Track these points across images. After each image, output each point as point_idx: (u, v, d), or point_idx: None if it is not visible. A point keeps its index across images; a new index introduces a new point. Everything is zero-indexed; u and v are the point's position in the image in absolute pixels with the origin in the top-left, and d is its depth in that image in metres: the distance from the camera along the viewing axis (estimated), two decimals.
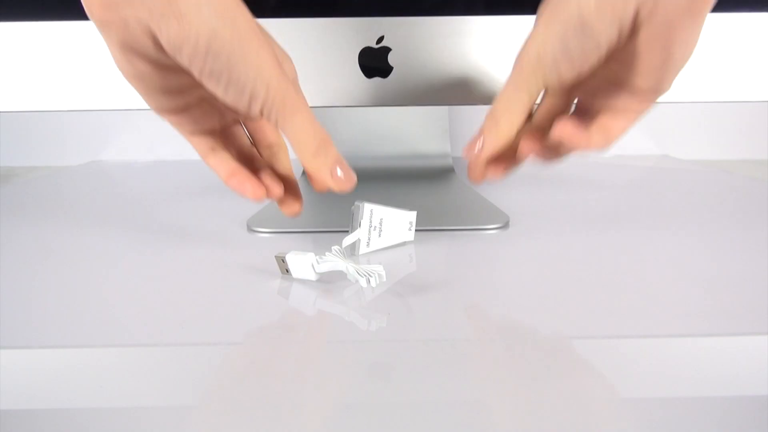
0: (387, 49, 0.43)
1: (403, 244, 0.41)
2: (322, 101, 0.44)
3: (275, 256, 0.34)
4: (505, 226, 0.46)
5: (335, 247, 0.33)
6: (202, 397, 0.22)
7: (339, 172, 0.30)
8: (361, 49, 0.43)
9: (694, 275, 0.35)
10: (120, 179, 0.73)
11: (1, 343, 0.26)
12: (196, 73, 0.27)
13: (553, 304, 0.30)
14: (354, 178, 0.31)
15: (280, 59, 0.31)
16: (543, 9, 0.29)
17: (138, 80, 0.28)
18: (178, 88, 0.30)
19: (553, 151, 0.34)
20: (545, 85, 0.30)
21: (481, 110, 0.92)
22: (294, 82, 0.32)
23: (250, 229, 0.45)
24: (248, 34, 0.26)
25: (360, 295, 0.32)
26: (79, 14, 0.43)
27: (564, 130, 0.30)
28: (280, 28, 0.43)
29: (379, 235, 0.39)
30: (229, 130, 0.35)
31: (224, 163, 0.34)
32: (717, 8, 0.43)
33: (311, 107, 0.44)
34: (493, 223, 0.45)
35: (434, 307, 0.30)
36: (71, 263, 0.38)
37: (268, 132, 0.36)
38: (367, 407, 0.21)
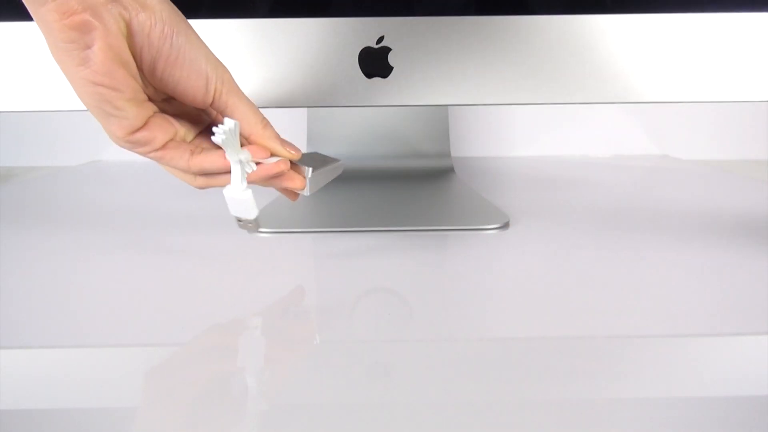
0: (387, 49, 0.43)
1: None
2: (322, 101, 0.44)
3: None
4: (505, 226, 0.46)
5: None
6: (206, 396, 0.22)
7: (285, 147, 0.34)
8: (361, 49, 0.43)
9: (694, 275, 0.35)
10: (119, 179, 0.73)
11: (0, 342, 0.26)
12: (161, 62, 0.30)
13: (552, 304, 0.30)
14: (299, 151, 0.34)
15: None
16: None
17: (115, 89, 0.29)
18: (144, 98, 0.31)
19: None
20: None
21: (482, 110, 0.92)
22: None
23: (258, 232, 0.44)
24: (190, 28, 0.31)
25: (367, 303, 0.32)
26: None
27: None
28: (280, 27, 0.43)
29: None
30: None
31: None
32: (716, 8, 0.43)
33: (312, 107, 0.44)
34: (493, 223, 0.45)
35: (433, 307, 0.30)
36: (70, 263, 0.38)
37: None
38: (365, 407, 0.21)
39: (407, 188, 0.57)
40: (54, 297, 0.32)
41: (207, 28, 0.43)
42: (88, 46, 0.27)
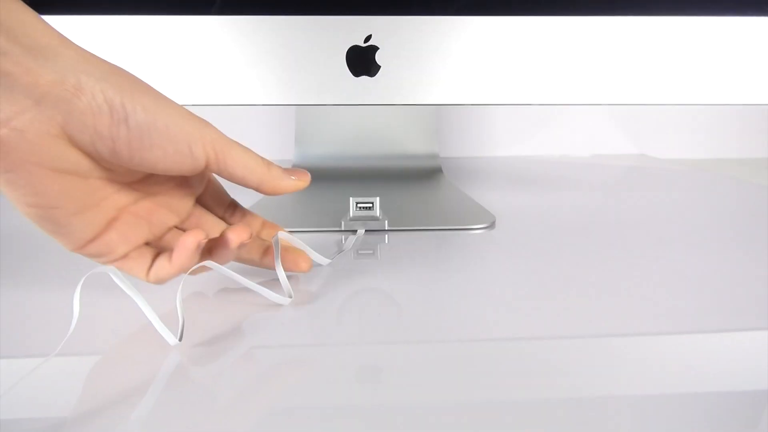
0: (375, 48, 0.43)
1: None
2: (308, 99, 0.44)
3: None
4: (492, 226, 0.46)
5: None
6: (198, 400, 0.21)
7: (293, 177, 0.30)
8: (348, 47, 0.43)
9: (675, 272, 0.35)
10: None
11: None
12: (124, 150, 0.25)
13: (538, 303, 0.31)
14: (306, 172, 0.31)
15: None
16: None
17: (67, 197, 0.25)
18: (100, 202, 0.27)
19: None
20: None
21: (468, 110, 0.92)
22: None
23: None
24: (146, 83, 0.26)
25: (351, 295, 0.32)
26: (70, 9, 0.42)
27: None
28: (268, 25, 0.42)
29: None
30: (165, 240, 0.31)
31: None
32: (695, 11, 0.44)
33: (299, 105, 0.43)
34: (480, 223, 0.45)
35: (420, 306, 0.30)
36: (68, 262, 0.37)
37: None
38: (354, 408, 0.21)
39: (394, 188, 0.56)
40: (51, 296, 0.31)
41: (191, 25, 0.42)
42: (9, 170, 0.23)
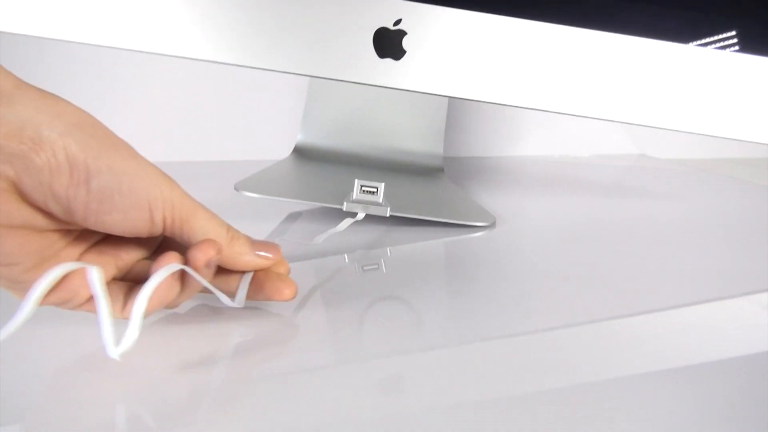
0: (403, 33, 0.43)
1: None
2: (329, 73, 0.43)
3: None
4: (492, 225, 0.46)
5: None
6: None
7: (261, 252, 0.28)
8: (377, 28, 0.43)
9: (675, 272, 0.35)
10: None
11: None
12: (79, 212, 0.23)
13: (539, 302, 0.31)
14: (277, 246, 0.29)
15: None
16: None
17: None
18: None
19: None
20: None
21: (471, 110, 0.91)
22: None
23: (239, 191, 0.44)
24: (117, 139, 0.24)
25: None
26: None
27: None
28: None
29: None
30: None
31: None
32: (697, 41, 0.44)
33: (317, 77, 0.42)
34: (480, 223, 0.45)
35: (420, 306, 0.30)
36: None
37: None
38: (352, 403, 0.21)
39: (394, 183, 0.56)
40: None
41: None
42: None
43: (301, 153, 0.60)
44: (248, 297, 0.29)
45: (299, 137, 0.63)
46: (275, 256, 0.28)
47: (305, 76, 0.43)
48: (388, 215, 0.43)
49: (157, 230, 0.25)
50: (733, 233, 0.43)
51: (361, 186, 0.43)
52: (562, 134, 0.90)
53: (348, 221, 0.40)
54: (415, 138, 0.64)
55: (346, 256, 0.37)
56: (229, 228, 0.27)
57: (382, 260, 0.37)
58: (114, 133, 0.24)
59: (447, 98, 0.59)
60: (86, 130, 0.22)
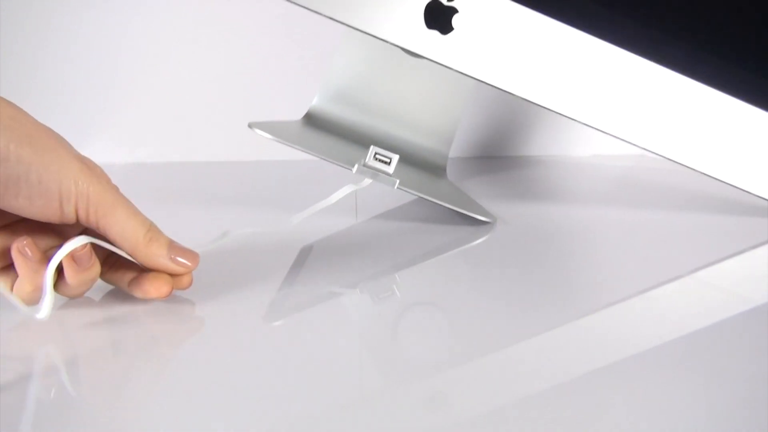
0: (454, 10, 0.43)
1: None
2: (372, 30, 0.43)
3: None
4: (493, 224, 0.46)
5: None
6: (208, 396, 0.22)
7: (179, 258, 0.28)
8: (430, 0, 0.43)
9: (675, 272, 0.35)
10: None
11: None
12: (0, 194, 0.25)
13: (539, 301, 0.31)
14: (196, 255, 0.29)
15: (88, 164, 0.28)
16: None
17: None
18: None
19: None
20: None
21: (482, 111, 0.90)
22: (108, 181, 0.29)
23: (252, 129, 0.44)
24: (36, 132, 0.26)
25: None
26: None
27: None
28: None
29: None
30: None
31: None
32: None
33: (363, 31, 0.42)
34: (481, 222, 0.45)
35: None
36: None
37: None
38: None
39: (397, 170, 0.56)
40: None
41: None
42: None
43: (310, 119, 0.58)
44: (131, 292, 0.29)
45: (314, 101, 0.59)
46: (192, 265, 0.29)
47: (350, 27, 0.43)
48: (395, 187, 0.43)
49: (69, 219, 0.26)
50: (733, 233, 0.43)
51: (376, 153, 0.42)
52: (562, 134, 0.90)
53: (344, 189, 0.39)
54: (426, 133, 0.63)
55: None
56: (150, 228, 0.28)
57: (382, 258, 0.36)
58: (40, 126, 0.26)
59: (467, 101, 0.58)
60: (2, 121, 0.24)
